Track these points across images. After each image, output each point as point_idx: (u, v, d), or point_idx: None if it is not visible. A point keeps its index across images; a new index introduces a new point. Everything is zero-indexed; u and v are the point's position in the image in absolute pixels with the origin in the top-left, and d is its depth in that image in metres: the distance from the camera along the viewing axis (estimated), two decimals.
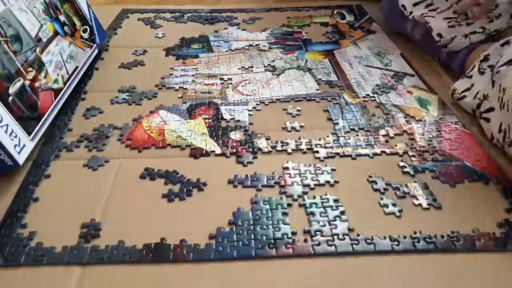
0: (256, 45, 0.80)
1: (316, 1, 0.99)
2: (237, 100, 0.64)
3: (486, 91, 0.54)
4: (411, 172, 0.50)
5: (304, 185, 0.49)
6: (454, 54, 0.69)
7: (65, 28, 0.66)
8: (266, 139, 0.56)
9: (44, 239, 0.42)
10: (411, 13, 0.74)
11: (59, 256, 0.41)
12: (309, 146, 0.55)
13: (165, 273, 0.39)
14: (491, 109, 0.53)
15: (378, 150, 0.54)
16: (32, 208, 0.46)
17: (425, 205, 0.46)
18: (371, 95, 0.65)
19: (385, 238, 0.42)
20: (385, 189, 0.48)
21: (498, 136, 0.52)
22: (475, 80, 0.59)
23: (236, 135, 0.57)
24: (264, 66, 0.73)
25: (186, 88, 0.67)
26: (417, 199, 0.47)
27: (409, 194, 0.47)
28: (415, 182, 0.49)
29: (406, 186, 0.48)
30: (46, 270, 0.40)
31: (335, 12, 0.95)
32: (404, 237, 0.42)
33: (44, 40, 0.60)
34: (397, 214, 0.45)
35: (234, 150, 0.54)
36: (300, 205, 0.46)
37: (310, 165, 0.51)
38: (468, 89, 0.61)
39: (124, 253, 0.41)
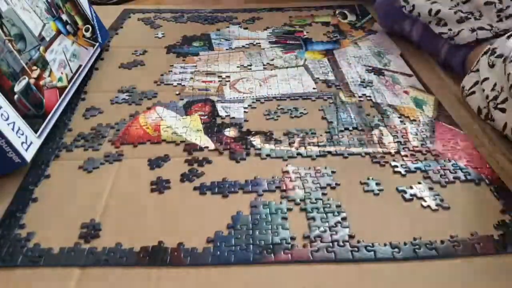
0: (257, 43, 0.81)
1: (318, 1, 0.99)
2: (234, 98, 0.65)
3: (503, 84, 0.54)
4: (403, 172, 0.50)
5: (306, 189, 0.48)
6: (455, 52, 0.69)
7: (68, 27, 0.68)
8: (260, 136, 0.56)
9: (42, 240, 0.43)
10: (413, 6, 0.73)
11: (56, 257, 0.41)
12: (302, 145, 0.55)
13: (162, 277, 0.40)
14: (506, 100, 0.53)
15: (370, 149, 0.54)
16: (31, 209, 0.46)
17: (434, 206, 0.46)
18: (367, 94, 0.65)
19: (385, 245, 0.42)
20: (380, 189, 0.48)
21: None
22: (486, 74, 0.58)
23: (230, 132, 0.58)
24: (263, 65, 0.74)
25: (184, 85, 0.68)
26: (425, 201, 0.46)
27: (415, 196, 0.47)
28: (419, 183, 0.49)
29: (411, 188, 0.48)
30: (42, 272, 0.40)
31: (337, 11, 0.95)
32: (405, 243, 0.42)
33: (48, 39, 0.62)
34: (377, 192, 0.47)
35: (228, 147, 0.55)
36: (302, 210, 0.46)
37: (309, 168, 0.51)
38: (476, 83, 0.60)
39: (121, 256, 0.41)
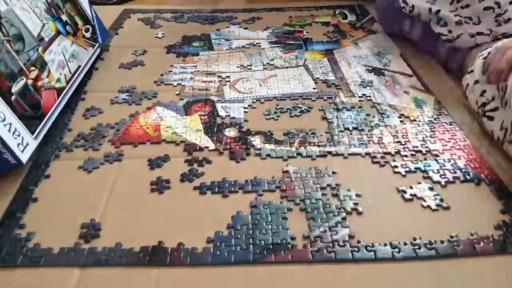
0: (257, 43, 0.81)
1: (318, 1, 0.99)
2: (234, 98, 0.65)
3: (494, 93, 0.54)
4: (403, 172, 0.50)
5: (306, 189, 0.48)
6: (454, 53, 0.69)
7: (67, 27, 0.68)
8: (260, 136, 0.56)
9: (42, 240, 0.43)
10: (413, 6, 0.73)
11: (56, 257, 0.41)
12: (302, 145, 0.55)
13: (162, 277, 0.39)
14: (496, 109, 0.54)
15: (370, 150, 0.54)
16: (31, 209, 0.46)
17: (434, 206, 0.46)
18: (367, 94, 0.65)
19: (385, 245, 0.42)
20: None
21: (499, 134, 0.52)
22: (478, 77, 0.58)
23: (230, 132, 0.58)
24: (263, 65, 0.74)
25: (184, 85, 0.68)
26: (425, 201, 0.46)
27: (415, 196, 0.47)
28: (419, 183, 0.49)
29: (411, 188, 0.48)
30: (42, 272, 0.40)
31: (337, 12, 0.95)
32: (405, 243, 0.42)
33: (47, 39, 0.61)
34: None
35: (228, 147, 0.55)
36: (302, 210, 0.46)
37: (310, 168, 0.51)
38: (467, 86, 0.60)
39: (121, 256, 0.41)
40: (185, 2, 1.01)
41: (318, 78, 0.70)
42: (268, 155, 0.53)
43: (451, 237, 0.43)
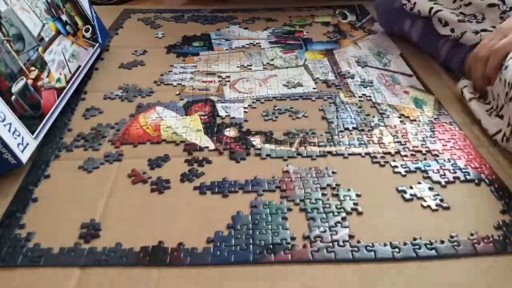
0: (257, 43, 0.81)
1: (318, 1, 0.99)
2: (234, 98, 0.65)
3: (498, 91, 0.54)
4: (403, 172, 0.50)
5: (306, 189, 0.48)
6: (454, 53, 0.69)
7: (67, 27, 0.68)
8: (260, 136, 0.56)
9: (42, 240, 0.43)
10: (414, 4, 0.73)
11: (56, 257, 0.41)
12: (302, 145, 0.55)
13: (162, 277, 0.39)
14: (502, 107, 0.53)
15: (370, 150, 0.54)
16: (31, 209, 0.46)
17: (434, 206, 0.46)
18: (367, 94, 0.65)
19: (385, 245, 0.42)
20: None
21: (506, 130, 0.52)
22: None
23: (230, 132, 0.58)
24: (263, 65, 0.74)
25: (184, 85, 0.68)
26: (425, 201, 0.46)
27: (415, 196, 0.47)
28: (419, 183, 0.49)
29: (411, 188, 0.48)
30: (42, 272, 0.40)
31: (337, 11, 0.95)
32: (405, 243, 0.42)
33: (47, 39, 0.61)
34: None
35: (228, 147, 0.55)
36: (301, 210, 0.46)
37: (310, 168, 0.51)
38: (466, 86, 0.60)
39: (121, 256, 0.41)
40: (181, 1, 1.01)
41: (318, 78, 0.70)
42: (268, 155, 0.53)
43: (451, 237, 0.43)
